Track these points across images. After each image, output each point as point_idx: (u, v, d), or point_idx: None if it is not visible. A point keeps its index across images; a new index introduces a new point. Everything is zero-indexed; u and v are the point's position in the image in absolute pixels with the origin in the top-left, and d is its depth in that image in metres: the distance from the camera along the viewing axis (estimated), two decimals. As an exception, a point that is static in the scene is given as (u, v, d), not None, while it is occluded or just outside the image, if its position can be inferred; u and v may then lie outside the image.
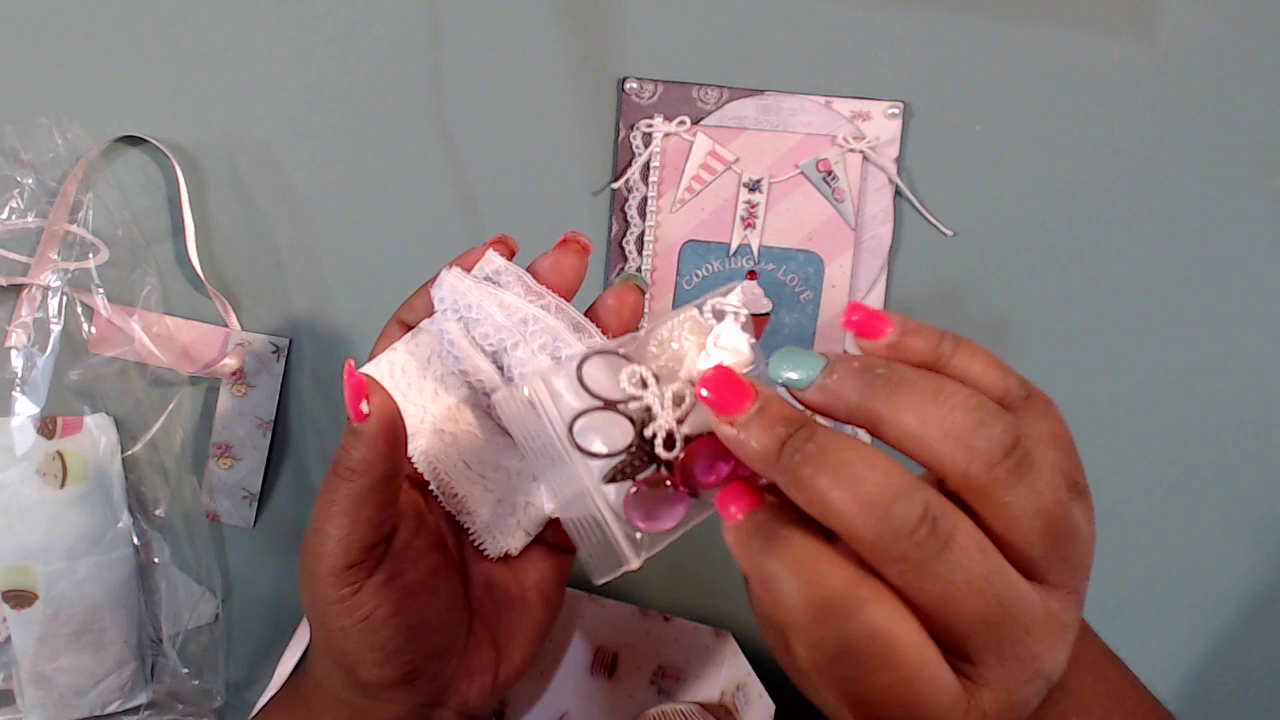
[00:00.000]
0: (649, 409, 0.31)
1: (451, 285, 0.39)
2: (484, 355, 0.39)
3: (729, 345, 0.32)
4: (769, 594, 0.28)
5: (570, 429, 0.31)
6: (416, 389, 0.40)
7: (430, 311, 0.40)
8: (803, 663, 0.28)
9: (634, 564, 0.32)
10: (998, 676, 0.28)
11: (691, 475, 0.31)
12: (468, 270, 0.40)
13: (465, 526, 0.41)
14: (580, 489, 0.32)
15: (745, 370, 0.31)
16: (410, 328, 0.41)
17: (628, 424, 0.31)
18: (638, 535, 0.31)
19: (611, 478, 0.31)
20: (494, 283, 0.39)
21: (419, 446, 0.40)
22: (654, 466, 0.31)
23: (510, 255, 0.40)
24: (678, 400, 0.31)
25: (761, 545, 0.28)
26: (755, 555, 0.29)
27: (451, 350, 0.39)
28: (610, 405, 0.31)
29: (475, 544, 0.41)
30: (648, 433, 0.31)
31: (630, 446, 0.31)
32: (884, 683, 0.27)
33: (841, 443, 0.27)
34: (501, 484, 0.41)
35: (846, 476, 0.27)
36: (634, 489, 0.31)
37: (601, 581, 0.32)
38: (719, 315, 0.33)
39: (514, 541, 0.41)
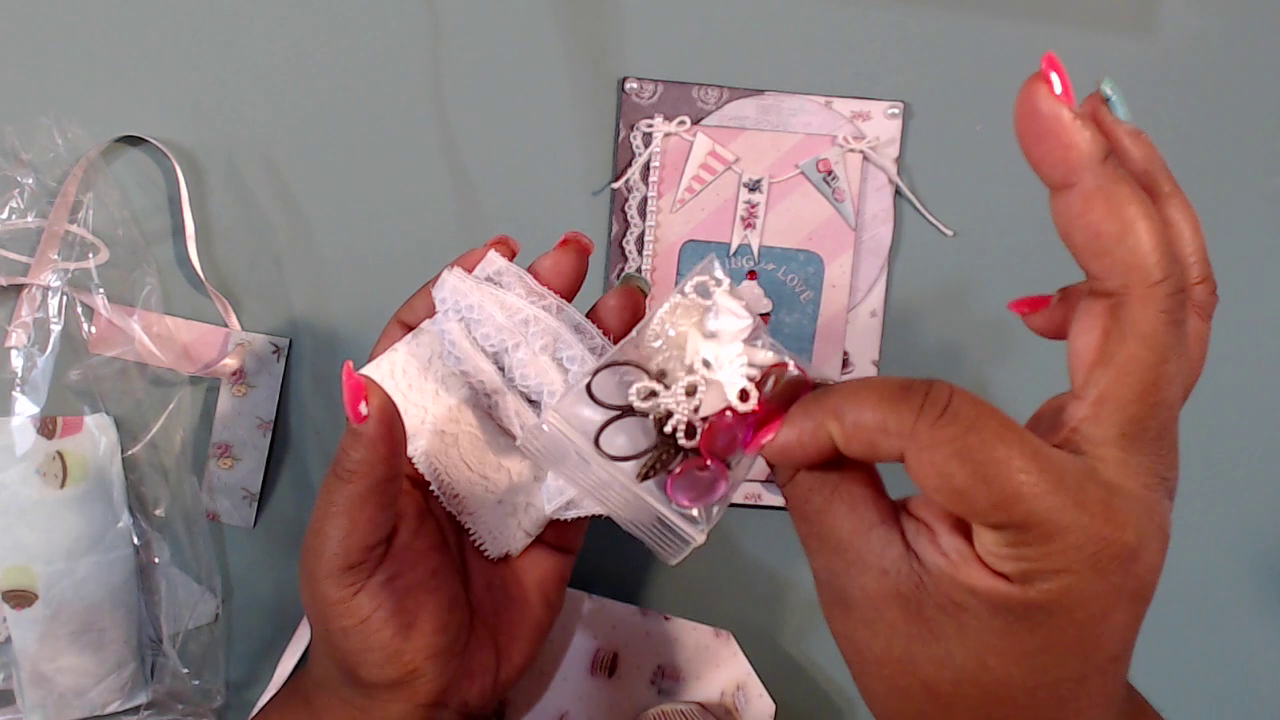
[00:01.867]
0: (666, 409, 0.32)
1: (453, 286, 0.39)
2: (485, 356, 0.39)
3: (729, 314, 0.32)
4: (848, 428, 0.28)
5: (596, 442, 0.32)
6: (417, 390, 0.40)
7: (431, 312, 0.40)
8: (918, 471, 0.27)
9: (699, 539, 0.32)
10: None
11: (717, 450, 0.32)
12: (469, 271, 0.40)
13: (466, 527, 0.41)
14: (623, 492, 0.32)
15: (745, 334, 0.32)
16: (411, 328, 0.41)
17: (649, 421, 0.32)
18: (694, 512, 0.32)
19: (645, 474, 0.32)
20: (495, 283, 0.39)
21: (420, 447, 0.40)
22: (681, 455, 0.32)
23: (511, 256, 0.40)
24: (690, 391, 0.32)
25: (813, 407, 0.29)
26: (811, 417, 0.29)
27: (452, 351, 0.39)
28: (627, 410, 0.32)
29: (476, 544, 0.41)
30: (667, 429, 0.32)
31: (655, 443, 0.32)
32: (993, 432, 0.27)
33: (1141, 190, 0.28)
34: (503, 485, 0.41)
35: (1151, 214, 0.27)
36: (671, 478, 0.32)
37: (675, 562, 0.33)
38: (703, 292, 0.33)
39: (515, 542, 0.41)
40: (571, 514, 0.39)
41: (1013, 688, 0.28)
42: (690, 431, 0.32)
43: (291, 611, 0.54)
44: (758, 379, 0.32)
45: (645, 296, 0.40)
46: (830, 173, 0.53)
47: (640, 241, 0.53)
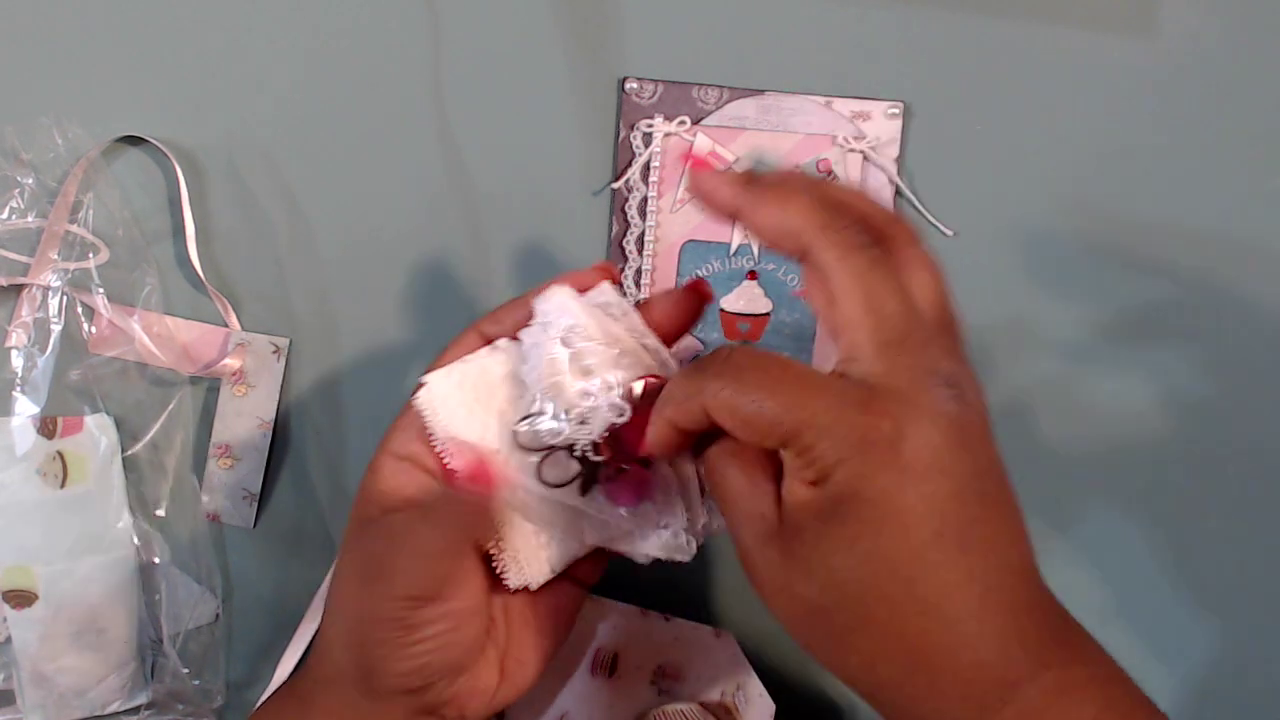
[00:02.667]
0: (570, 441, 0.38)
1: (561, 302, 0.39)
2: (575, 376, 0.39)
3: (588, 346, 0.38)
4: (676, 410, 0.35)
5: (540, 479, 0.39)
6: (484, 405, 0.40)
7: (514, 329, 0.40)
8: (719, 418, 0.33)
9: (680, 521, 0.40)
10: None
11: (626, 450, 0.38)
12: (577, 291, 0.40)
13: (490, 552, 0.41)
14: (578, 512, 0.39)
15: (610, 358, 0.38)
16: (489, 341, 0.41)
17: (567, 453, 0.39)
18: (674, 516, 0.40)
19: (584, 489, 0.39)
20: (604, 311, 0.39)
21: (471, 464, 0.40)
22: (602, 468, 0.39)
23: (614, 281, 0.41)
24: (582, 419, 0.38)
25: (658, 404, 0.36)
26: (658, 413, 0.35)
27: (538, 367, 0.39)
28: (549, 450, 0.39)
29: (498, 571, 0.41)
30: (577, 452, 0.38)
31: (579, 468, 0.39)
32: (762, 368, 0.33)
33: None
34: (543, 515, 0.40)
35: (799, 191, 0.35)
36: (609, 488, 0.39)
37: (688, 557, 0.40)
38: (566, 338, 0.38)
39: (538, 575, 0.41)
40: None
41: (863, 583, 0.31)
42: (596, 449, 0.38)
43: (291, 611, 0.54)
44: (630, 393, 0.38)
45: None
46: (830, 173, 0.53)
47: (640, 241, 0.53)
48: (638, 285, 0.53)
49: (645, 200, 0.53)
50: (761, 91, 0.53)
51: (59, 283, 0.52)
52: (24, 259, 0.51)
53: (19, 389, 0.51)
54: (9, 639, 0.52)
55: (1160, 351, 0.55)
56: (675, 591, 0.55)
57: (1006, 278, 0.54)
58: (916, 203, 0.54)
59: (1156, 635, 0.56)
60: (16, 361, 0.51)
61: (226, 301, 0.53)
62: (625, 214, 0.53)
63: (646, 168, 0.53)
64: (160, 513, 0.53)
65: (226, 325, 0.53)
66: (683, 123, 0.53)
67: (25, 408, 0.51)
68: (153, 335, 0.52)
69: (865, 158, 0.53)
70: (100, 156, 0.52)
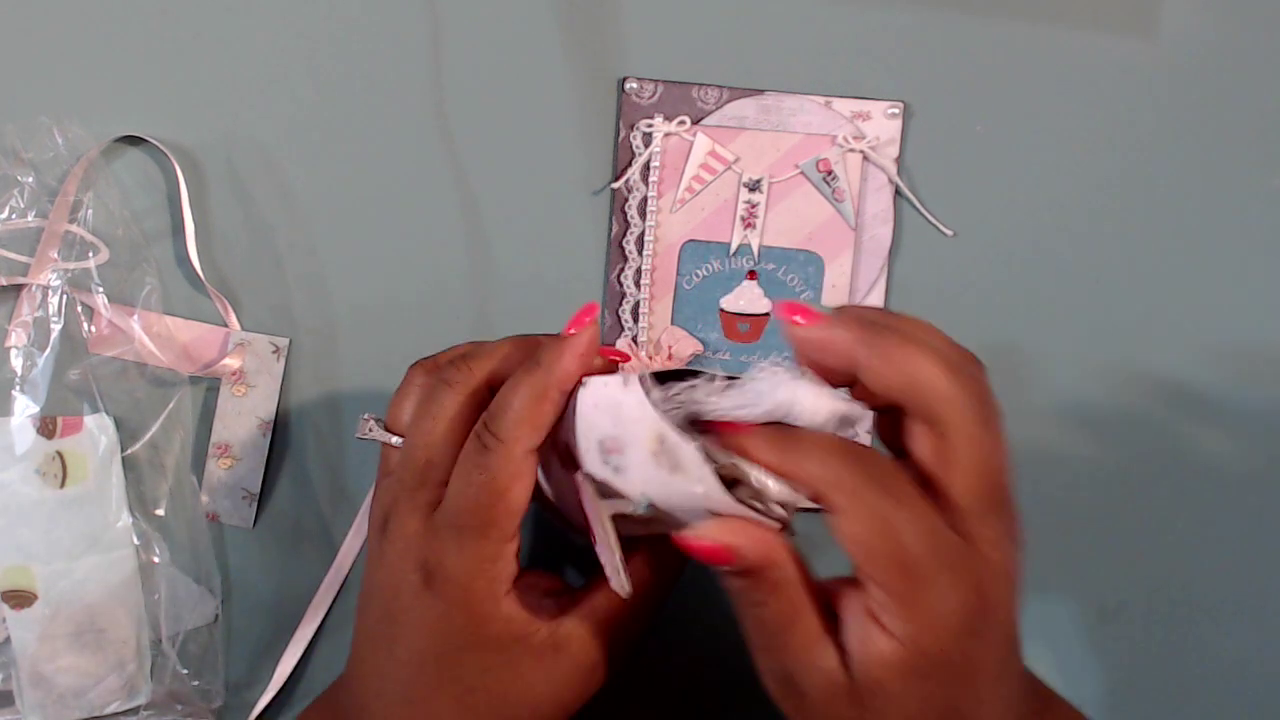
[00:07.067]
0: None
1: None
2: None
3: None
4: None
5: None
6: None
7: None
8: None
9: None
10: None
11: None
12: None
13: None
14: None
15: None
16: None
17: None
18: None
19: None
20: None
21: None
22: None
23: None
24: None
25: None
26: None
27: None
28: None
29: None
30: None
31: None
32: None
33: None
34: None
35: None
36: None
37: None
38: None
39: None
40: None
41: None
42: None
43: (291, 612, 0.54)
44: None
45: None
46: (830, 173, 0.53)
47: (640, 241, 0.53)
48: (638, 285, 0.53)
49: (645, 200, 0.53)
50: (761, 91, 0.53)
51: (59, 282, 0.52)
52: (24, 259, 0.51)
53: (18, 388, 0.51)
54: (8, 639, 0.51)
55: (1160, 350, 0.55)
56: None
57: (1006, 278, 0.54)
58: (916, 203, 0.54)
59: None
60: (16, 361, 0.51)
61: (226, 301, 0.53)
62: (625, 214, 0.53)
63: (646, 168, 0.53)
64: (160, 512, 0.53)
65: (226, 325, 0.53)
66: (683, 122, 0.53)
67: (25, 407, 0.51)
68: (152, 335, 0.52)
69: (865, 158, 0.53)
70: (100, 156, 0.52)
